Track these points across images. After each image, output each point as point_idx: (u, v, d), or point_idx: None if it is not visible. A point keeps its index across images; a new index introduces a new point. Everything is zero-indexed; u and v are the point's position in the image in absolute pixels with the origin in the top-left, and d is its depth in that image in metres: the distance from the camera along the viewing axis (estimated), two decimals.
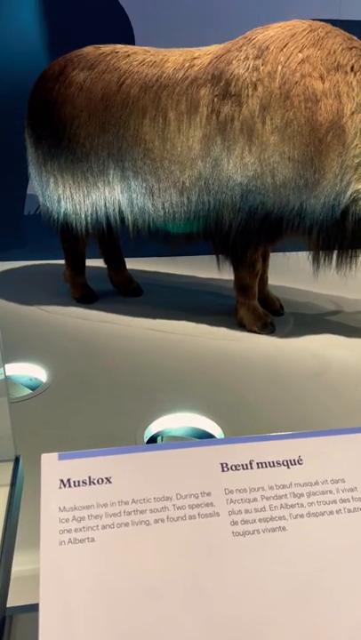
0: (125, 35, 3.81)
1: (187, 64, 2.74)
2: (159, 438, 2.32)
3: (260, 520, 1.01)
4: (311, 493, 1.05)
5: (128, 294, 3.66)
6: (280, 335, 3.18)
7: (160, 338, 3.10)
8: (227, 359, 2.90)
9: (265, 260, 3.31)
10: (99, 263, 3.68)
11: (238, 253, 3.03)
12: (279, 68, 2.57)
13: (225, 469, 1.05)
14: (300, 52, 2.57)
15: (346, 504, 1.04)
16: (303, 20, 2.72)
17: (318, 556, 1.00)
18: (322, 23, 2.67)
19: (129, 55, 2.84)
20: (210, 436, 2.35)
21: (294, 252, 3.50)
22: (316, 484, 1.06)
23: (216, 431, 2.33)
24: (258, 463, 1.07)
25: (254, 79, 2.60)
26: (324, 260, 3.01)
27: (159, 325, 3.26)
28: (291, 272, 3.70)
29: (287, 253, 3.50)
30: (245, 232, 2.88)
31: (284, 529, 1.00)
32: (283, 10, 3.82)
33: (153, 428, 2.35)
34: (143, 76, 2.76)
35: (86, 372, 2.75)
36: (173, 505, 1.01)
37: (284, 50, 2.58)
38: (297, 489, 1.05)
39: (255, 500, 1.03)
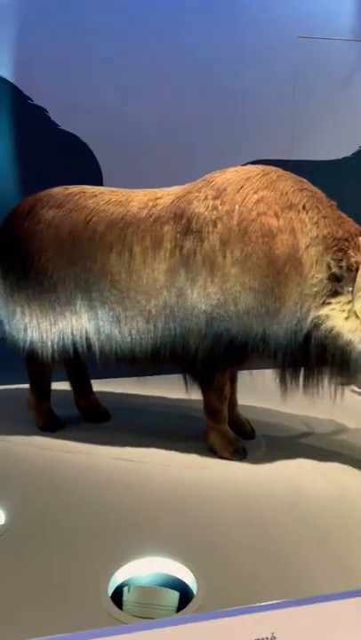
0: (94, 176, 4.09)
1: (150, 203, 2.92)
2: (125, 589, 2.12)
3: None
4: None
5: (95, 420, 3.56)
6: (252, 461, 3.09)
7: (128, 469, 2.97)
8: (198, 491, 2.76)
9: (233, 382, 3.31)
10: (65, 386, 3.61)
11: (206, 377, 3.03)
12: (236, 207, 2.75)
13: None
14: (255, 193, 2.78)
15: None
16: (257, 165, 2.97)
17: None
18: (274, 168, 2.92)
19: (96, 195, 3.02)
20: (181, 583, 2.16)
21: (262, 370, 3.51)
22: None
23: (188, 578, 2.15)
24: None
25: (214, 217, 2.77)
26: (291, 381, 3.02)
27: (127, 454, 3.13)
28: (259, 391, 3.67)
29: (254, 371, 3.50)
30: (212, 357, 2.90)
31: None
32: (239, 152, 4.20)
33: (119, 577, 2.15)
34: (109, 214, 2.92)
35: (47, 512, 2.57)
36: None
37: (241, 191, 2.79)
38: None
39: None
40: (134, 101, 4.11)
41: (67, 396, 3.62)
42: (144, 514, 2.55)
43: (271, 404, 3.74)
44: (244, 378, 3.54)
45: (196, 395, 3.19)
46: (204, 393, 3.09)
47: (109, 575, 2.13)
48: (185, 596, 2.10)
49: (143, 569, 2.21)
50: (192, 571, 2.15)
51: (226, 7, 4.13)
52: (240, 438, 3.20)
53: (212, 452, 3.12)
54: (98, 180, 4.10)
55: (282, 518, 2.54)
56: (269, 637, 0.97)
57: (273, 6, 4.18)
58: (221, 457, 3.09)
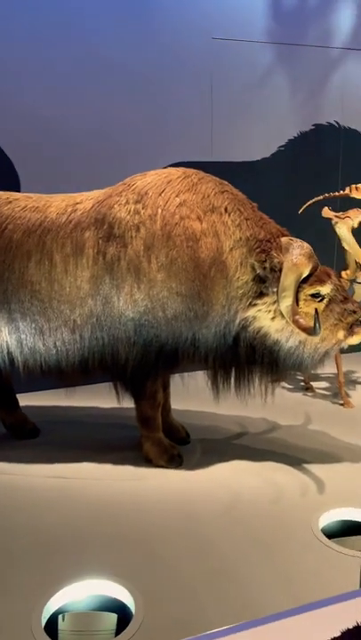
0: (11, 181, 3.90)
1: (69, 209, 2.81)
2: (60, 617, 2.01)
3: None
4: None
5: (23, 437, 3.39)
6: (188, 467, 3.05)
7: (60, 486, 2.84)
8: (134, 504, 2.69)
9: (165, 388, 3.26)
10: None
11: (137, 386, 2.96)
12: (159, 211, 2.70)
13: None
14: (177, 196, 2.73)
15: None
16: (177, 167, 2.93)
17: None
18: (195, 170, 2.89)
19: (10, 201, 2.86)
20: (120, 604, 2.08)
21: (194, 372, 3.48)
22: None
23: (126, 599, 2.07)
24: None
25: (136, 222, 2.70)
26: (223, 384, 3.01)
27: (59, 471, 3.00)
28: (192, 393, 3.64)
29: (186, 375, 3.46)
30: (142, 364, 2.83)
31: None
32: (160, 154, 4.15)
33: (53, 605, 2.04)
34: (26, 221, 2.77)
35: None
36: None
37: (163, 194, 2.73)
38: None
39: None
40: (52, 104, 3.96)
41: None
42: (78, 534, 2.45)
43: (205, 406, 3.72)
44: (178, 382, 3.50)
45: (128, 403, 3.11)
46: (137, 402, 3.02)
47: (42, 604, 2.01)
48: (124, 618, 2.02)
49: (79, 593, 2.11)
50: (130, 590, 2.07)
51: (140, 10, 4.07)
52: (175, 445, 3.15)
53: (147, 461, 3.06)
54: (15, 186, 3.92)
55: (219, 524, 2.51)
56: None
57: (186, 8, 4.16)
58: (157, 466, 3.03)
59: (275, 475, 2.96)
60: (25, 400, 3.56)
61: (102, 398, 3.65)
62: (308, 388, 4.26)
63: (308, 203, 3.98)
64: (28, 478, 2.92)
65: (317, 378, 4.45)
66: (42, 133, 3.96)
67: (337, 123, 4.80)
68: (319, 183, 4.37)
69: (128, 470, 3.01)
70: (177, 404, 3.54)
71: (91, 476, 2.95)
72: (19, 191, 3.76)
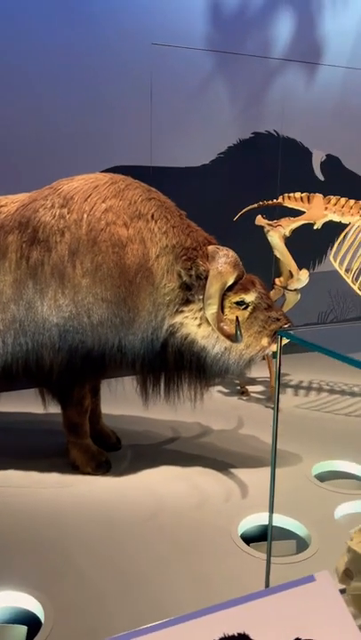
0: None
1: None
2: None
3: None
4: None
5: None
6: (116, 473, 3.04)
7: None
8: (56, 512, 2.65)
9: (95, 394, 3.24)
10: None
11: (64, 392, 2.93)
12: (85, 216, 2.68)
13: None
14: (103, 202, 2.72)
15: None
16: (105, 173, 2.92)
17: None
18: (122, 176, 2.89)
19: None
20: (30, 615, 2.05)
21: (128, 377, 3.47)
22: None
23: (37, 609, 2.04)
24: None
25: (61, 226, 2.68)
26: (152, 389, 3.02)
27: None
28: (126, 398, 3.62)
29: (120, 379, 3.45)
30: (68, 371, 2.80)
31: None
32: (97, 159, 4.12)
33: None
34: None
35: None
36: None
37: (89, 200, 2.72)
38: None
39: None
40: None
41: None
42: None
43: (138, 410, 3.70)
44: (112, 386, 3.48)
45: (55, 409, 3.07)
46: (63, 408, 2.99)
47: None
48: (35, 629, 1.99)
49: None
50: (40, 600, 2.05)
51: (80, 13, 4.03)
52: (103, 451, 3.13)
53: (74, 468, 3.03)
54: None
55: (140, 531, 2.52)
56: None
57: (127, 13, 4.15)
58: (84, 472, 3.00)
59: (202, 480, 2.99)
60: None
61: (29, 404, 3.59)
62: (243, 392, 4.32)
63: (244, 210, 4.05)
64: None
65: (253, 382, 4.53)
66: None
67: (276, 132, 4.90)
68: (258, 191, 4.44)
69: (54, 477, 2.97)
70: (111, 409, 3.53)
71: (15, 483, 2.90)
72: None
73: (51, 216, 2.70)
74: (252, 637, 1.04)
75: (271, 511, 1.97)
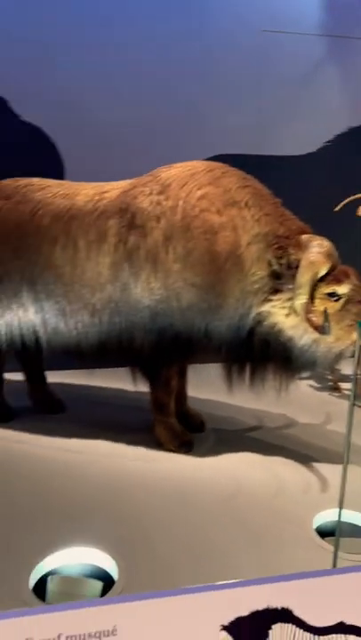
0: (56, 168, 4.08)
1: (97, 197, 2.93)
2: (49, 578, 2.16)
3: None
4: None
5: (49, 411, 3.59)
6: (198, 454, 3.13)
7: (73, 460, 3.00)
8: (138, 483, 2.80)
9: (182, 376, 3.34)
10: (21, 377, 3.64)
11: (152, 371, 3.06)
12: (180, 203, 2.77)
13: None
14: (198, 189, 2.79)
15: None
16: (204, 161, 2.98)
17: None
18: (220, 164, 2.93)
19: (43, 188, 3.02)
20: (105, 573, 2.20)
21: (215, 365, 3.53)
22: None
23: (112, 568, 2.19)
24: (67, 637, 0.99)
25: (158, 212, 2.79)
26: (238, 376, 3.05)
27: (74, 445, 3.16)
28: (214, 385, 3.70)
29: (207, 365, 3.52)
30: (157, 351, 2.92)
31: None
32: (203, 146, 4.18)
33: (44, 567, 2.19)
34: (55, 207, 2.92)
35: None
36: None
37: (185, 187, 2.80)
38: None
39: None
40: (97, 94, 4.09)
41: (22, 386, 3.66)
42: (80, 505, 2.59)
43: (225, 397, 3.76)
44: (202, 370, 3.58)
45: (144, 387, 3.22)
46: (151, 386, 3.12)
47: (34, 565, 2.17)
48: (108, 586, 2.14)
49: (70, 559, 2.25)
50: (116, 560, 2.19)
51: (189, 2, 4.11)
52: (187, 431, 3.24)
53: (158, 444, 3.16)
54: (59, 173, 4.10)
55: (215, 512, 2.58)
56: (110, 630, 1.01)
57: (236, 1, 4.16)
58: (167, 450, 3.13)
59: (281, 470, 2.99)
60: (52, 377, 3.76)
61: (120, 382, 3.79)
62: (335, 389, 4.21)
63: (346, 200, 3.90)
64: (43, 450, 3.10)
65: (346, 379, 4.38)
66: (87, 123, 4.10)
67: None
68: None
69: (139, 451, 3.13)
70: (197, 393, 3.62)
71: (103, 453, 3.10)
72: (63, 179, 3.95)
73: (148, 202, 2.82)
74: (295, 613, 1.06)
75: (341, 506, 1.94)
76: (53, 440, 3.21)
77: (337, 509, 2.57)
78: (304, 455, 3.14)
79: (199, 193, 2.78)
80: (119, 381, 3.90)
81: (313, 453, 3.16)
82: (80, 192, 2.97)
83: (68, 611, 1.02)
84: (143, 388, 3.22)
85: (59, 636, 0.99)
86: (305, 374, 4.35)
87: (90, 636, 1.00)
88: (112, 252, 2.84)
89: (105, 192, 2.96)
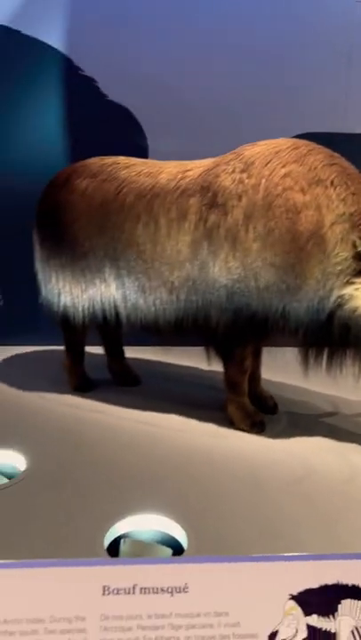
0: (141, 148, 4.15)
1: (179, 175, 2.96)
2: (122, 541, 2.27)
3: None
4: (190, 626, 1.02)
5: (126, 384, 3.72)
6: (269, 435, 3.13)
7: (146, 432, 3.11)
8: (209, 458, 2.85)
9: (257, 356, 3.34)
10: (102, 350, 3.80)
11: (226, 350, 3.08)
12: (263, 181, 2.73)
13: (106, 593, 1.04)
14: (283, 167, 2.74)
15: None
16: (289, 138, 2.92)
17: None
18: (305, 141, 2.86)
19: (128, 166, 3.09)
20: (175, 541, 2.28)
21: (291, 348, 3.50)
22: (198, 615, 1.03)
23: (182, 537, 2.26)
24: (141, 588, 1.05)
25: (239, 191, 2.77)
26: (315, 359, 3.00)
27: (148, 418, 3.27)
28: (290, 368, 3.67)
29: (284, 349, 3.50)
30: (232, 330, 2.94)
31: None
32: (288, 124, 4.09)
33: (118, 529, 2.30)
34: (139, 186, 2.99)
35: (65, 464, 2.76)
36: (45, 628, 1.00)
37: (269, 165, 2.76)
38: (176, 620, 1.02)
39: (130, 629, 1.01)
40: (184, 74, 4.10)
41: (103, 360, 3.81)
42: (152, 474, 2.68)
43: (301, 381, 3.73)
44: (278, 353, 3.56)
45: (218, 367, 3.25)
46: (225, 365, 3.15)
47: (109, 526, 2.28)
48: (177, 554, 2.22)
49: (142, 524, 2.35)
50: (186, 530, 2.26)
51: None
52: (259, 412, 3.24)
53: (230, 423, 3.20)
54: (144, 153, 4.17)
55: (285, 492, 2.58)
56: (182, 587, 1.05)
57: None
58: (239, 428, 3.15)
59: (355, 457, 2.92)
60: (130, 353, 3.88)
61: (195, 360, 3.84)
62: None
63: None
64: (119, 420, 3.23)
65: None
66: (172, 102, 4.13)
67: None
68: None
69: (210, 428, 3.17)
70: (271, 375, 3.60)
71: (176, 427, 3.17)
72: (147, 157, 4.02)
73: (231, 181, 2.81)
74: None
75: None
76: (129, 411, 3.34)
77: None
78: None
79: (283, 171, 2.73)
80: (194, 360, 3.97)
81: None
82: (163, 170, 3.01)
83: (143, 565, 1.07)
84: (217, 367, 3.25)
85: (134, 587, 1.05)
86: None
87: (163, 590, 1.05)
88: (192, 231, 2.87)
89: (188, 170, 2.98)
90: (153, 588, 1.05)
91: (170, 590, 1.05)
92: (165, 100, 4.10)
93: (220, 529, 2.31)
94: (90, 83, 4.13)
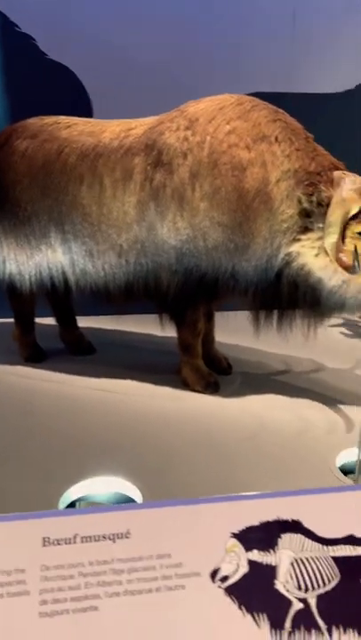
0: (84, 107, 4.01)
1: (122, 134, 2.87)
2: (77, 504, 2.26)
3: (71, 599, 0.97)
4: (133, 570, 1.02)
5: (79, 353, 3.67)
6: (223, 395, 3.16)
7: (100, 398, 3.08)
8: (164, 420, 2.86)
9: (209, 319, 3.34)
10: (53, 321, 3.72)
11: (179, 313, 3.06)
12: (208, 138, 2.69)
13: (46, 544, 1.02)
14: (227, 123, 2.70)
15: (167, 581, 1.01)
16: (233, 94, 2.86)
17: (131, 636, 0.95)
18: (249, 97, 2.82)
19: (70, 126, 2.98)
20: (130, 501, 2.29)
21: (244, 312, 3.52)
22: (140, 559, 1.03)
23: (137, 496, 2.27)
24: (83, 537, 1.04)
25: (184, 149, 2.72)
26: (265, 320, 3.03)
27: (102, 385, 3.24)
28: (242, 330, 3.69)
29: (236, 312, 3.51)
30: (183, 292, 2.92)
31: (96, 608, 0.97)
32: (236, 83, 4.02)
33: (72, 494, 2.29)
34: (81, 145, 2.89)
35: (18, 433, 2.71)
36: None
37: (213, 121, 2.71)
38: (118, 565, 1.02)
39: (71, 577, 1.00)
40: (128, 32, 3.95)
41: (55, 330, 3.74)
42: (107, 439, 2.67)
43: (255, 342, 3.76)
44: (231, 316, 3.56)
45: (172, 332, 3.24)
46: (178, 328, 3.14)
47: (63, 491, 2.27)
48: None
49: (96, 487, 2.34)
50: (140, 489, 2.27)
51: None
52: (213, 373, 3.26)
53: (184, 385, 3.21)
54: (88, 112, 4.03)
55: (239, 449, 2.63)
56: (124, 532, 1.05)
57: None
58: (193, 390, 3.17)
59: (307, 412, 3.00)
60: (82, 322, 3.82)
61: (148, 327, 3.82)
62: None
63: None
64: (73, 388, 3.19)
65: None
66: (117, 63, 3.99)
67: None
68: None
69: (166, 391, 3.18)
70: (225, 338, 3.62)
71: (130, 392, 3.17)
72: (91, 117, 3.89)
73: (175, 138, 2.75)
74: (305, 525, 1.08)
75: None
76: (83, 379, 3.30)
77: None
78: (330, 398, 3.13)
79: (227, 128, 2.69)
80: (147, 327, 3.94)
81: (340, 396, 3.14)
82: (106, 129, 2.92)
83: (84, 514, 1.06)
84: (171, 333, 3.24)
85: (75, 537, 1.03)
86: (336, 321, 4.32)
87: (104, 537, 1.04)
88: (138, 191, 2.81)
89: (131, 129, 2.89)
90: (94, 536, 1.04)
91: (112, 537, 1.04)
92: (108, 57, 3.96)
93: (176, 487, 2.33)
94: (28, 41, 3.93)
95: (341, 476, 2.42)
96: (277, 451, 2.61)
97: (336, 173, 2.66)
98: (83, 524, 1.05)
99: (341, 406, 3.03)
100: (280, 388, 3.27)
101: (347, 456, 2.57)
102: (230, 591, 0.98)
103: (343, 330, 4.29)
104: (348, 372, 3.53)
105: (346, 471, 2.49)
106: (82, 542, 1.03)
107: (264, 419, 2.91)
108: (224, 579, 1.00)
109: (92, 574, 1.00)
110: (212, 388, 3.16)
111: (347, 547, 1.04)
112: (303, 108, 3.40)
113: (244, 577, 1.00)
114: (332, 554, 1.04)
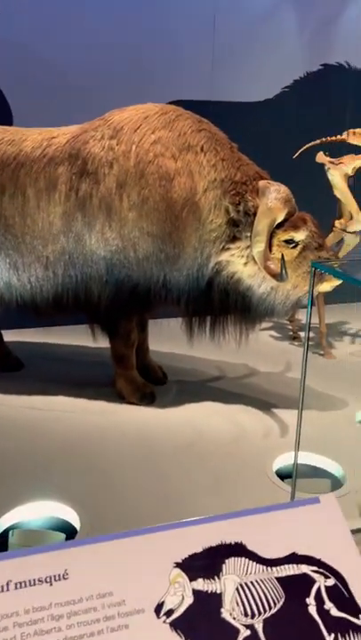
0: (3, 115, 3.85)
1: (45, 143, 2.78)
2: (10, 533, 2.15)
3: None
4: (73, 613, 0.96)
5: (6, 369, 3.51)
6: (160, 405, 3.13)
7: (33, 417, 2.96)
8: (100, 436, 2.79)
9: (143, 329, 3.30)
10: None
11: (111, 324, 3.00)
12: (133, 147, 2.65)
13: None
14: (152, 133, 2.68)
15: (110, 622, 0.95)
16: (157, 103, 2.85)
17: None
18: (173, 107, 2.81)
19: None
20: (67, 525, 2.20)
21: (177, 319, 3.50)
22: (80, 601, 0.97)
23: (74, 520, 2.19)
24: (16, 583, 0.97)
25: (110, 158, 2.67)
26: (198, 327, 3.03)
27: (35, 402, 3.11)
28: (176, 338, 3.68)
29: (169, 320, 3.49)
30: (115, 303, 2.86)
31: None
32: (157, 93, 4.01)
33: (4, 522, 2.17)
34: (1, 155, 2.76)
35: None
36: None
37: (138, 131, 2.68)
38: (57, 610, 0.96)
39: (6, 628, 0.92)
40: (47, 38, 3.84)
41: None
42: (40, 461, 2.57)
43: (188, 350, 3.75)
44: (164, 324, 3.53)
45: (105, 343, 3.17)
46: (111, 340, 3.07)
47: None
48: (70, 537, 2.14)
49: (31, 513, 2.23)
50: (78, 512, 2.19)
51: None
52: (149, 384, 3.23)
53: (120, 397, 3.15)
54: (7, 120, 3.87)
55: (177, 459, 2.60)
56: (62, 574, 0.98)
57: None
58: (129, 402, 3.12)
59: (243, 417, 3.03)
60: (10, 336, 3.66)
61: (80, 338, 3.71)
62: (295, 338, 4.26)
63: (305, 147, 3.84)
64: (2, 407, 3.04)
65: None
66: (36, 67, 3.86)
67: (348, 63, 4.56)
68: (324, 127, 4.19)
69: (100, 405, 3.10)
70: (159, 346, 3.59)
71: (64, 408, 3.06)
72: (11, 124, 3.73)
73: (100, 147, 2.69)
74: (248, 548, 1.06)
75: (297, 448, 1.98)
76: (11, 398, 3.15)
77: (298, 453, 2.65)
78: (264, 402, 3.18)
79: (153, 137, 2.67)
80: (78, 338, 3.84)
81: (273, 400, 3.20)
82: (27, 138, 2.81)
83: (16, 558, 0.99)
84: (104, 343, 3.17)
85: (7, 583, 0.96)
86: (266, 324, 4.41)
87: (40, 581, 0.97)
88: (63, 201, 2.73)
89: (53, 137, 2.81)
90: (30, 581, 0.97)
91: (48, 580, 0.98)
92: (29, 65, 3.82)
93: (114, 504, 2.27)
94: None
95: (278, 481, 2.45)
96: (215, 459, 2.61)
97: (261, 183, 2.71)
98: (15, 568, 0.98)
99: (275, 410, 3.09)
100: (215, 394, 3.28)
101: (283, 460, 2.61)
102: (176, 625, 0.95)
103: (273, 333, 4.38)
104: (280, 375, 3.61)
105: (283, 475, 2.53)
106: (15, 589, 0.96)
107: (201, 427, 2.90)
108: (169, 612, 0.96)
109: (29, 623, 0.93)
110: (148, 399, 3.12)
111: (290, 566, 1.04)
112: (224, 117, 3.46)
113: (190, 608, 0.97)
114: (276, 574, 1.03)
